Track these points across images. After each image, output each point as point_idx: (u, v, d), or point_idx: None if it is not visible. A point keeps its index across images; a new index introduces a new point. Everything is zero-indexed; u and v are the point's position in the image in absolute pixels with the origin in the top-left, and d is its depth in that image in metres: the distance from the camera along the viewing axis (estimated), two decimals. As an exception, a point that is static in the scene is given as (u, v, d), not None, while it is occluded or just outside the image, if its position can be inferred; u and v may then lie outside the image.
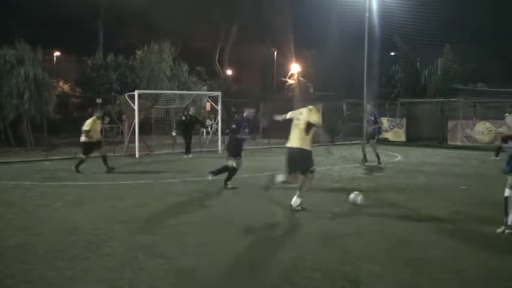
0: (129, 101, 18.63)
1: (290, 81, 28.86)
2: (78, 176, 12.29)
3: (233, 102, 33.01)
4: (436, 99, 26.43)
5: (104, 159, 13.37)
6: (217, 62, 43.50)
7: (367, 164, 15.05)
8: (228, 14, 40.22)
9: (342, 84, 30.83)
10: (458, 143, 22.25)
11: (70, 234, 6.43)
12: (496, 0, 31.05)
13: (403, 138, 24.63)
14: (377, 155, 14.96)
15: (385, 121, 25.65)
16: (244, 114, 10.59)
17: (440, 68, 30.12)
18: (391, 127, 25.31)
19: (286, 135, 8.40)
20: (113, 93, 23.92)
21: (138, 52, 26.66)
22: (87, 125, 13.09)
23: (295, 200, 8.02)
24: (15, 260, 5.34)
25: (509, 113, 16.26)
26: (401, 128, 24.92)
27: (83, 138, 13.19)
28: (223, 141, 20.13)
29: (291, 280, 4.74)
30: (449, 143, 22.80)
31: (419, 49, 31.18)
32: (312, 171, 8.04)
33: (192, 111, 17.96)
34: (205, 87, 29.31)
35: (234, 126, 10.43)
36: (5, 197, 9.32)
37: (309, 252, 5.63)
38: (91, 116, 13.90)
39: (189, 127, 17.81)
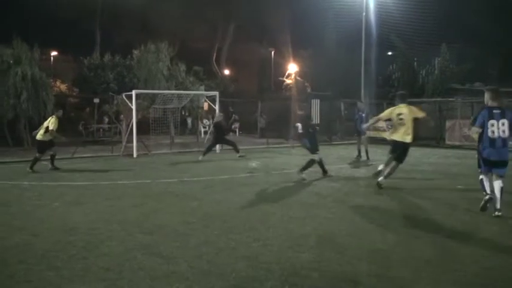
0: (126, 100, 18.62)
1: (287, 81, 28.89)
2: (76, 176, 12.29)
3: (231, 102, 33.07)
4: (433, 99, 26.46)
5: (53, 157, 13.65)
6: (214, 62, 43.62)
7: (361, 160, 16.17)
8: (226, 14, 40.32)
9: (340, 84, 30.91)
10: (456, 143, 22.28)
11: (69, 234, 6.43)
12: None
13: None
14: (365, 151, 16.34)
15: (382, 121, 25.66)
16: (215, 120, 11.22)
17: (437, 68, 30.20)
18: (389, 127, 25.25)
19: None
20: (110, 93, 23.92)
21: (135, 52, 26.56)
22: (54, 123, 13.22)
23: (381, 179, 10.05)
24: (14, 260, 5.34)
25: None
26: (399, 127, 24.89)
27: (42, 137, 13.30)
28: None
29: (289, 280, 4.75)
30: (447, 142, 22.82)
31: (417, 49, 31.27)
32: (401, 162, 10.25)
33: (217, 117, 17.28)
34: (202, 87, 29.28)
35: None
36: (3, 197, 9.31)
37: (307, 252, 5.64)
38: (51, 115, 13.94)
39: (219, 133, 17.00)
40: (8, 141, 20.75)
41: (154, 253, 5.59)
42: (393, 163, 10.39)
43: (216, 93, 21.30)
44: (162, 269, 5.05)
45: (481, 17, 29.91)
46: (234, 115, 33.35)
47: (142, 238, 6.26)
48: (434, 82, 29.69)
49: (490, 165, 7.55)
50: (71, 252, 5.62)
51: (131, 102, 17.90)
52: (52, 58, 44.72)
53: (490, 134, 7.42)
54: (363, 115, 17.11)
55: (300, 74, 29.69)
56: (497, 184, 7.45)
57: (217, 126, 16.76)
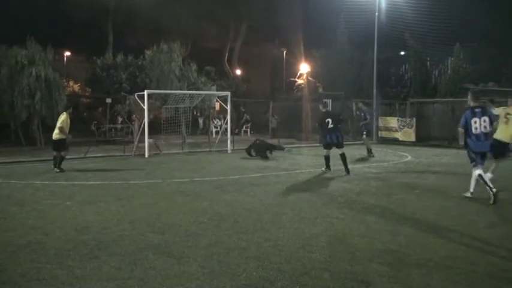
0: (138, 101, 18.69)
1: (299, 81, 28.81)
2: (89, 175, 12.37)
3: (242, 102, 33.09)
4: (446, 99, 26.26)
5: (62, 159, 13.47)
6: (226, 62, 43.66)
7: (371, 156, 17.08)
8: (237, 14, 40.33)
9: (351, 84, 30.79)
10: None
11: (80, 234, 6.48)
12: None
13: (412, 138, 24.48)
14: (368, 150, 17.35)
15: (394, 121, 25.57)
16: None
17: (450, 68, 29.97)
18: (401, 127, 25.18)
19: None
20: (122, 93, 24.03)
21: (148, 52, 26.65)
22: (63, 121, 13.24)
23: (490, 177, 9.43)
24: (26, 259, 5.39)
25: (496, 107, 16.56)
26: (411, 128, 24.77)
27: (58, 136, 13.29)
28: (232, 141, 20.20)
29: (300, 280, 4.74)
30: (460, 143, 22.60)
31: (430, 48, 31.05)
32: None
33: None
34: (214, 87, 29.29)
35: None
36: (16, 196, 9.39)
37: (318, 253, 5.63)
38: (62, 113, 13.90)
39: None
40: (21, 140, 20.93)
41: (166, 253, 5.61)
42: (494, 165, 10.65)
43: (228, 93, 21.32)
44: (173, 269, 5.07)
45: (495, 16, 29.64)
46: (245, 115, 33.43)
47: (154, 238, 6.28)
48: (447, 82, 29.46)
49: (482, 158, 8.86)
50: (82, 252, 5.65)
51: (143, 102, 17.97)
52: (65, 58, 45.12)
53: (473, 130, 8.75)
54: (362, 114, 18.12)
55: (312, 74, 29.58)
56: (477, 172, 8.69)
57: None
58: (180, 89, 23.44)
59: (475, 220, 7.36)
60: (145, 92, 18.10)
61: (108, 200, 8.97)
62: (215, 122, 30.69)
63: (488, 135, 8.87)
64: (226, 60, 43.93)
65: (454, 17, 28.55)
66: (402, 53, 35.48)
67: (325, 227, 6.84)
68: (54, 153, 13.36)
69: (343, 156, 12.67)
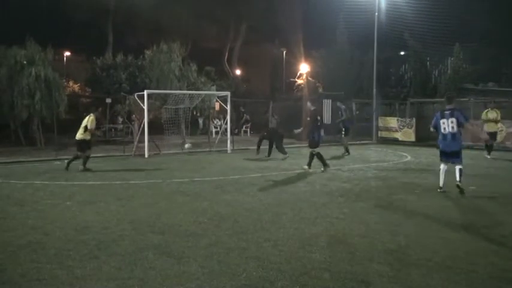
0: (138, 101, 18.69)
1: (299, 81, 28.84)
2: (88, 175, 12.36)
3: (242, 102, 33.07)
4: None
5: (87, 159, 13.56)
6: (226, 62, 43.66)
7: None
8: (237, 14, 40.32)
9: (351, 84, 30.78)
10: (469, 143, 22.07)
11: (80, 234, 6.48)
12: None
13: (412, 138, 24.48)
14: (345, 148, 17.78)
15: (394, 121, 25.57)
16: None
17: (450, 68, 29.96)
18: (401, 127, 25.18)
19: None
20: (122, 93, 24.01)
21: (147, 52, 26.61)
22: (92, 122, 13.30)
23: None
24: (26, 259, 5.39)
25: (491, 109, 16.74)
26: (411, 128, 24.77)
27: (82, 136, 13.34)
28: (232, 141, 20.20)
29: (300, 280, 4.74)
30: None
31: (430, 48, 31.05)
32: None
33: (272, 123, 17.50)
34: (214, 87, 29.26)
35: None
36: (16, 196, 9.39)
37: (318, 253, 5.63)
38: (90, 112, 13.94)
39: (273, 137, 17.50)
40: (21, 140, 20.93)
41: (166, 253, 5.61)
42: None
43: (228, 93, 21.32)
44: (173, 269, 5.07)
45: (495, 16, 29.64)
46: (245, 115, 33.42)
47: (154, 238, 6.28)
48: (447, 82, 29.45)
49: (446, 156, 9.64)
50: (82, 252, 5.65)
51: (143, 103, 17.97)
52: (65, 58, 45.11)
53: (442, 130, 9.55)
54: (339, 112, 18.39)
55: (312, 74, 29.61)
56: (457, 168, 9.40)
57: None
58: (180, 89, 23.41)
59: (475, 220, 7.36)
60: (145, 92, 18.10)
61: (108, 200, 8.97)
62: (215, 122, 30.69)
63: (456, 135, 9.45)
64: (226, 60, 43.92)
65: (454, 17, 28.54)
66: (402, 53, 35.47)
67: (325, 227, 6.84)
68: (78, 153, 13.44)
69: (319, 155, 13.10)
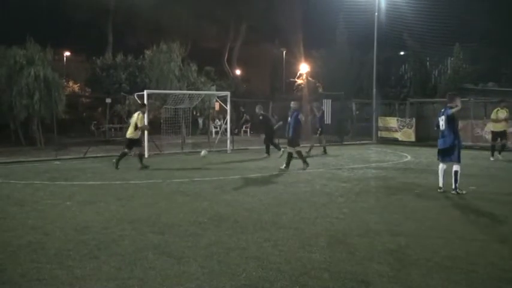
0: (138, 101, 18.69)
1: (299, 81, 28.81)
2: (88, 175, 12.36)
3: (242, 102, 33.07)
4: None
5: (142, 157, 14.08)
6: (226, 62, 43.63)
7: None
8: (237, 14, 40.29)
9: (351, 84, 30.80)
10: (469, 143, 22.06)
11: (80, 234, 6.48)
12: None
13: (412, 138, 24.48)
14: (324, 148, 18.24)
15: (394, 121, 25.57)
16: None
17: (450, 68, 29.98)
18: (401, 127, 25.18)
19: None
20: (122, 93, 24.02)
21: (147, 52, 26.62)
22: (141, 119, 13.52)
23: None
24: (26, 259, 5.38)
25: (501, 108, 16.51)
26: (410, 128, 24.78)
27: (132, 135, 13.60)
28: (232, 141, 20.21)
29: (300, 280, 4.74)
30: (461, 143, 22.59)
31: (429, 48, 31.07)
32: None
33: (257, 110, 17.96)
34: (214, 87, 29.28)
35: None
36: (16, 196, 9.39)
37: (318, 253, 5.63)
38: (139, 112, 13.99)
39: (264, 127, 18.10)
40: (21, 140, 20.93)
41: (165, 253, 5.61)
42: None
43: (228, 93, 21.32)
44: (173, 269, 5.06)
45: (495, 16, 29.64)
46: (245, 115, 33.42)
47: (154, 238, 6.28)
48: (447, 82, 29.47)
49: (441, 154, 9.77)
50: (82, 252, 5.65)
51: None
52: (65, 58, 45.10)
53: (441, 127, 9.74)
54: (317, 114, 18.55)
55: (312, 74, 29.59)
56: (453, 171, 9.47)
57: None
58: (180, 89, 23.43)
59: (475, 220, 7.37)
60: (145, 92, 18.11)
61: (108, 200, 8.97)
62: (215, 122, 30.69)
63: (444, 132, 9.67)
64: (226, 60, 43.90)
65: (454, 17, 28.54)
66: (402, 53, 35.51)
67: (325, 227, 6.84)
68: (125, 150, 13.79)
69: (300, 153, 13.48)
